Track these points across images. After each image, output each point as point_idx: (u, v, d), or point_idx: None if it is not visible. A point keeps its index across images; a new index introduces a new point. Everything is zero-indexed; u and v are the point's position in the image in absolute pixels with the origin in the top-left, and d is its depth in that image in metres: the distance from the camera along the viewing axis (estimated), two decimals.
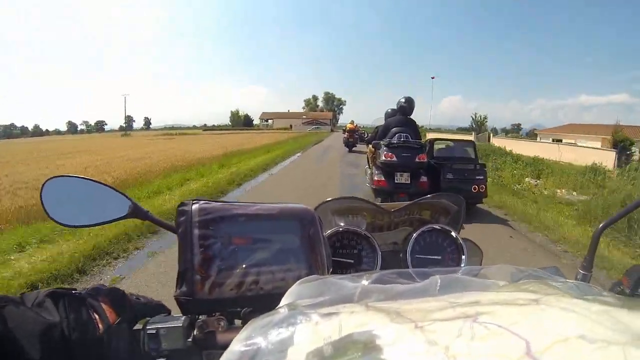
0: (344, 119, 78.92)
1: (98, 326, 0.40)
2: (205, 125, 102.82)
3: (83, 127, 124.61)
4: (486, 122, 55.07)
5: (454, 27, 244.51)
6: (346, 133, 16.39)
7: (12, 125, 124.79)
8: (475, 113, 55.55)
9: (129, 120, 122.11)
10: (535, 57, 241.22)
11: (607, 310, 0.25)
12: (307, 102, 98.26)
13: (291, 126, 71.06)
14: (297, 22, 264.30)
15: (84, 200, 0.59)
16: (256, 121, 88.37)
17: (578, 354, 0.19)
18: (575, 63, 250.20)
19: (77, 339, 0.38)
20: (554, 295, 0.29)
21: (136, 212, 0.57)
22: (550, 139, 28.29)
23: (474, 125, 53.12)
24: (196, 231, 0.47)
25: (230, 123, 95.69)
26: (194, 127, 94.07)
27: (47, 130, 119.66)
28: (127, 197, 0.58)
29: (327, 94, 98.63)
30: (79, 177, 0.60)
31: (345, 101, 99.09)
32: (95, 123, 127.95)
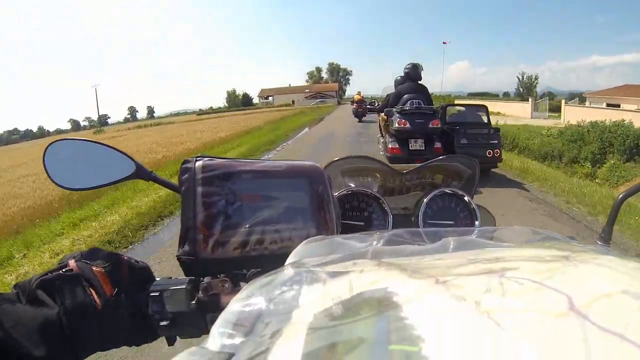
0: (351, 91, 74.54)
1: (96, 303, 0.38)
2: (200, 110, 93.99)
3: (86, 123, 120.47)
4: (537, 84, 43.07)
5: None
6: (355, 104, 17.49)
7: (15, 130, 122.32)
8: (523, 73, 44.00)
9: (132, 110, 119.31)
10: (543, 19, 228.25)
11: None
12: (311, 75, 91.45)
13: (293, 102, 65.21)
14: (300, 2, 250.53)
15: (87, 162, 0.58)
16: (256, 100, 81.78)
17: (625, 310, 0.18)
18: (585, 23, 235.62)
19: (76, 323, 0.37)
20: (584, 253, 0.26)
21: (140, 172, 0.57)
22: (604, 104, 21.85)
23: (522, 89, 42.48)
24: (199, 189, 0.45)
25: (226, 104, 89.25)
26: (200, 111, 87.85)
27: (47, 131, 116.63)
28: (130, 157, 0.57)
29: (331, 64, 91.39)
30: (81, 139, 0.59)
31: (351, 71, 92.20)
32: (99, 118, 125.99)
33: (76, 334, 0.37)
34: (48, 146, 0.56)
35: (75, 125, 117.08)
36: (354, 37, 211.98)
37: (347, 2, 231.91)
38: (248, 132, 14.87)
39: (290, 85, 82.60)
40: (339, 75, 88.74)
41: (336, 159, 0.76)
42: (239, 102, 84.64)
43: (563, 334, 0.16)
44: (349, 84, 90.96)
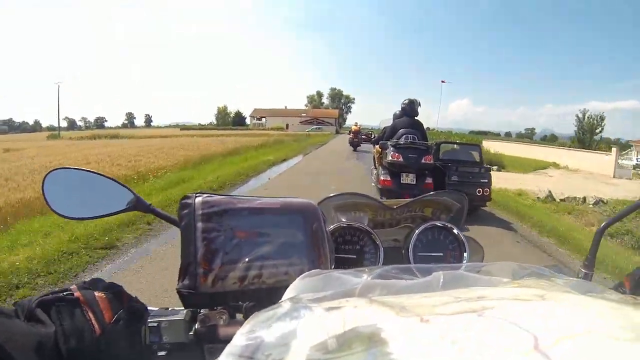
0: (352, 119, 68.33)
1: (94, 328, 0.39)
2: (199, 124, 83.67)
3: (82, 123, 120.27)
4: (603, 126, 31.69)
5: (464, 33, 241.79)
6: (351, 134, 19.00)
7: (9, 120, 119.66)
8: (584, 111, 32.10)
9: (130, 117, 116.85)
10: (542, 63, 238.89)
11: (613, 306, 0.24)
12: (311, 99, 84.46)
13: (287, 126, 58.49)
14: (305, 24, 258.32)
15: (85, 192, 0.58)
16: (248, 120, 74.06)
17: (586, 350, 0.19)
18: (583, 70, 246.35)
19: (73, 346, 0.37)
20: (559, 292, 0.28)
21: (138, 204, 0.57)
22: None
23: (580, 133, 31.79)
24: (199, 224, 0.47)
25: (214, 122, 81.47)
26: (200, 125, 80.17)
27: (40, 125, 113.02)
28: (129, 189, 0.58)
29: (333, 89, 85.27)
30: (80, 169, 0.60)
31: (354, 99, 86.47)
32: (95, 120, 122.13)
33: (72, 357, 0.37)
34: (47, 174, 0.57)
35: (70, 124, 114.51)
36: (359, 68, 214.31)
37: (357, 33, 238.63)
38: (199, 164, 10.05)
39: (286, 107, 76.09)
40: (341, 102, 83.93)
41: (330, 195, 0.79)
42: (229, 121, 77.51)
43: None
44: (350, 112, 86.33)
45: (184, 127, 67.75)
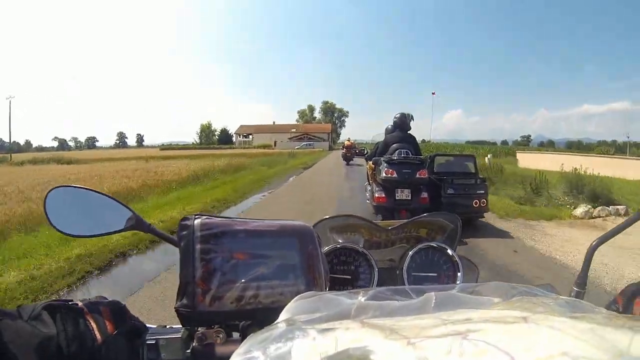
0: (346, 134, 65.98)
1: (96, 337, 0.40)
2: (193, 143, 77.88)
3: (72, 143, 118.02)
4: None
5: (455, 44, 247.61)
6: (344, 149, 19.83)
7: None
8: None
9: (122, 136, 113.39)
10: (534, 69, 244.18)
11: (592, 327, 0.26)
12: (302, 114, 79.67)
13: (275, 143, 54.13)
14: (295, 37, 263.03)
15: (86, 210, 0.60)
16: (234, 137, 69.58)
17: None
18: (575, 72, 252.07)
19: (74, 351, 0.38)
20: (542, 314, 0.30)
21: (138, 224, 0.59)
22: None
23: None
24: (198, 245, 0.48)
25: (197, 140, 76.90)
26: (189, 144, 75.97)
27: (31, 145, 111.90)
28: (129, 209, 0.60)
29: (325, 103, 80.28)
30: (82, 187, 0.61)
31: (347, 112, 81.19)
32: (86, 140, 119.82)
33: None
34: (49, 192, 0.59)
35: (61, 145, 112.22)
36: (352, 80, 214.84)
37: (348, 47, 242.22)
38: None
39: (274, 122, 72.12)
40: (334, 116, 79.56)
41: (325, 217, 0.81)
42: (214, 139, 74.33)
43: None
44: (344, 126, 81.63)
45: (163, 147, 64.94)
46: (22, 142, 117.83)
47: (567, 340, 0.24)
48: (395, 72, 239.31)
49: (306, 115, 79.15)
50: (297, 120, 76.87)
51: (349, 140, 20.69)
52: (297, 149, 41.22)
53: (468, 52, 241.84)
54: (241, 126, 68.78)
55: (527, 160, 16.48)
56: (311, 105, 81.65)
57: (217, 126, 79.22)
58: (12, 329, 0.36)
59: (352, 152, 19.04)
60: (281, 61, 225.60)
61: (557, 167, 9.16)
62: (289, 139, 56.67)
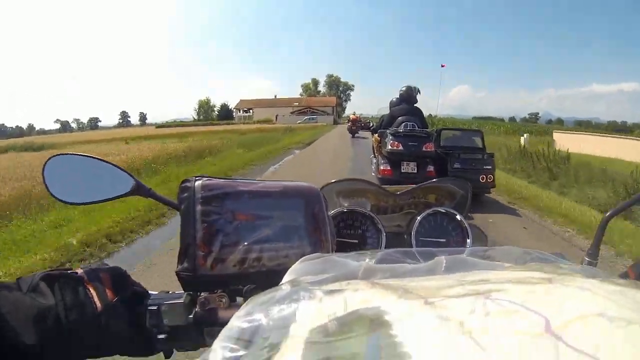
0: (352, 108, 62.49)
1: (96, 305, 0.39)
2: (194, 119, 74.06)
3: (74, 125, 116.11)
4: None
5: (464, 17, 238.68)
6: (350, 122, 20.28)
7: (1, 125, 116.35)
8: None
9: (124, 116, 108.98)
10: (542, 47, 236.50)
11: (622, 290, 0.24)
12: (306, 88, 75.82)
13: (277, 117, 51.14)
14: (301, 16, 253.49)
15: (86, 177, 0.59)
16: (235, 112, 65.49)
17: (598, 331, 0.19)
18: (584, 51, 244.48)
19: (73, 320, 0.38)
20: (567, 275, 0.28)
21: (139, 189, 0.57)
22: None
23: None
24: (199, 207, 0.47)
25: (195, 117, 73.83)
26: (187, 121, 68.40)
27: (34, 129, 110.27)
28: (129, 174, 0.58)
29: (330, 76, 75.65)
30: (81, 154, 0.60)
31: (353, 86, 76.98)
32: (89, 120, 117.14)
33: (72, 332, 0.37)
34: (48, 160, 0.57)
35: (63, 127, 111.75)
36: (357, 53, 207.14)
37: (353, 18, 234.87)
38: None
39: (275, 96, 67.74)
40: (339, 90, 75.63)
41: (332, 181, 0.79)
42: (213, 115, 70.53)
43: (537, 354, 0.18)
44: (349, 100, 78.03)
45: (159, 126, 59.54)
46: (25, 127, 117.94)
47: (600, 301, 0.22)
48: (402, 49, 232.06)
49: (310, 90, 75.67)
50: (300, 95, 73.36)
51: (354, 114, 21.50)
52: (299, 123, 39.15)
53: (478, 27, 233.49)
54: (241, 101, 65.20)
55: (567, 142, 12.78)
56: (315, 79, 78.02)
57: (219, 102, 76.97)
58: (10, 301, 0.35)
59: (357, 125, 19.67)
60: (286, 36, 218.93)
61: (610, 152, 7.70)
62: (291, 113, 53.46)
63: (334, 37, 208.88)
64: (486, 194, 5.35)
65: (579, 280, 0.26)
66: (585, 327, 0.19)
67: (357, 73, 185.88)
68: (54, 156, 0.59)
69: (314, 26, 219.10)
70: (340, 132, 22.81)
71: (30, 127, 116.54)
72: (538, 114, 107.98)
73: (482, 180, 4.97)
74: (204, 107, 76.40)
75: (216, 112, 73.11)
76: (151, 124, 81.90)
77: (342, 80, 77.05)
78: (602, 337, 0.18)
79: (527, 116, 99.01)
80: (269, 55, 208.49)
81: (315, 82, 77.14)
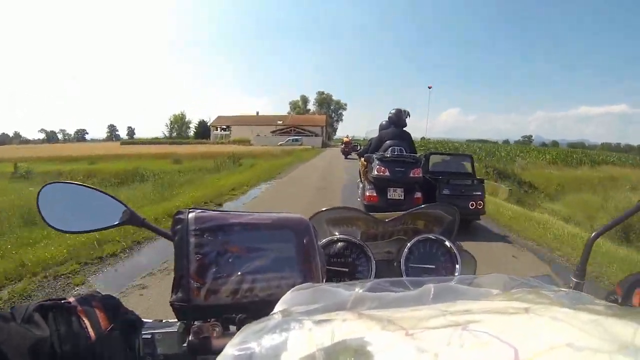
0: (343, 128, 58.20)
1: (89, 334, 0.40)
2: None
3: (60, 135, 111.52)
4: None
5: (455, 42, 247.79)
6: (343, 145, 22.22)
7: None
8: None
9: (112, 129, 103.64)
10: (532, 70, 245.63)
11: (595, 319, 0.25)
12: (294, 105, 68.92)
13: (254, 137, 42.51)
14: (291, 31, 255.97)
15: (79, 206, 0.60)
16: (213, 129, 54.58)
17: None
18: (573, 74, 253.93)
19: (67, 350, 0.37)
20: (543, 305, 0.29)
21: (132, 218, 0.58)
22: None
23: None
24: (192, 239, 0.48)
25: (166, 134, 66.94)
26: (160, 138, 62.89)
27: (20, 137, 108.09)
28: (122, 203, 0.59)
29: (321, 94, 68.62)
30: (74, 183, 0.61)
31: (345, 104, 70.03)
32: (75, 132, 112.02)
33: None
34: (42, 188, 0.58)
35: (48, 137, 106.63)
36: (346, 80, 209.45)
37: (341, 47, 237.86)
38: None
39: (258, 113, 59.84)
40: (330, 109, 68.24)
41: (321, 209, 0.80)
42: (187, 132, 64.74)
43: None
44: (341, 120, 71.00)
45: (124, 142, 55.07)
46: (11, 134, 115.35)
47: (571, 331, 0.23)
48: (394, 72, 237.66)
49: (299, 108, 68.45)
50: (288, 113, 64.03)
51: (347, 137, 24.60)
52: (280, 145, 33.48)
53: (468, 51, 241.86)
54: (218, 117, 56.03)
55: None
56: (304, 96, 70.18)
57: (197, 119, 68.00)
58: (5, 332, 0.35)
59: (349, 147, 21.03)
60: (275, 54, 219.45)
61: None
62: (272, 132, 45.75)
63: (324, 58, 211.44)
64: (474, 221, 5.23)
65: (554, 310, 0.27)
66: (552, 357, 0.20)
67: (349, 94, 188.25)
68: (48, 184, 0.59)
69: (306, 46, 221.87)
70: (329, 162, 16.52)
71: (17, 135, 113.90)
72: (531, 136, 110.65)
73: (472, 206, 4.83)
74: (178, 123, 69.78)
75: (193, 130, 65.57)
76: (138, 139, 71.51)
77: (334, 98, 69.96)
78: None
79: (521, 139, 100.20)
80: (260, 73, 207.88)
81: (305, 100, 69.73)
